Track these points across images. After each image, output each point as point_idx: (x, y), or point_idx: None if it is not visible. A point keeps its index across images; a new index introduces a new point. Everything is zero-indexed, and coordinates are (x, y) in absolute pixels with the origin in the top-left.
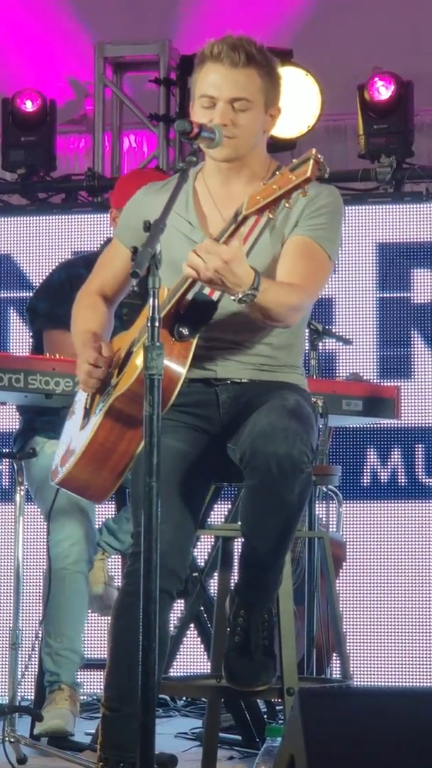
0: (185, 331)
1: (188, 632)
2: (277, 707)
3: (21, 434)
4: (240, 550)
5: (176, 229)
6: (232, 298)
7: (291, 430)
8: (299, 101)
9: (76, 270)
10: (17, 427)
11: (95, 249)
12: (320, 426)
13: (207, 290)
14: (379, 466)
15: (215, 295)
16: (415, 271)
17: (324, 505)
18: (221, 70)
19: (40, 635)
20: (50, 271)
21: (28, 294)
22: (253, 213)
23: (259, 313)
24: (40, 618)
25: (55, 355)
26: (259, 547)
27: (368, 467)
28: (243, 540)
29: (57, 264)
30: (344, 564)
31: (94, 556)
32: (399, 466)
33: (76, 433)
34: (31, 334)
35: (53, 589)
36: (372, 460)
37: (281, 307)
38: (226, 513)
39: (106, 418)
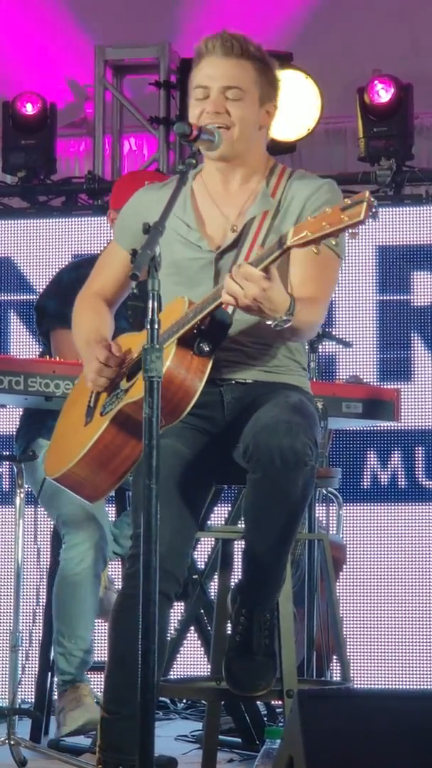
0: (206, 348)
1: (188, 635)
2: (277, 709)
3: (23, 435)
4: (242, 549)
5: (174, 231)
6: (268, 322)
7: (294, 423)
8: (299, 104)
9: (86, 271)
10: (15, 429)
11: (95, 252)
12: (320, 428)
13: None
14: (379, 469)
15: (229, 309)
16: (415, 273)
17: (324, 508)
18: (215, 61)
19: (41, 637)
20: (56, 271)
21: (28, 297)
22: (297, 246)
23: (288, 334)
24: (41, 620)
25: (62, 354)
26: (263, 542)
27: (368, 470)
28: (246, 537)
29: (63, 265)
30: (344, 566)
31: (107, 557)
32: (399, 469)
33: (79, 429)
34: (38, 333)
35: (67, 592)
36: (372, 462)
37: (309, 327)
38: (226, 515)
39: (113, 422)
